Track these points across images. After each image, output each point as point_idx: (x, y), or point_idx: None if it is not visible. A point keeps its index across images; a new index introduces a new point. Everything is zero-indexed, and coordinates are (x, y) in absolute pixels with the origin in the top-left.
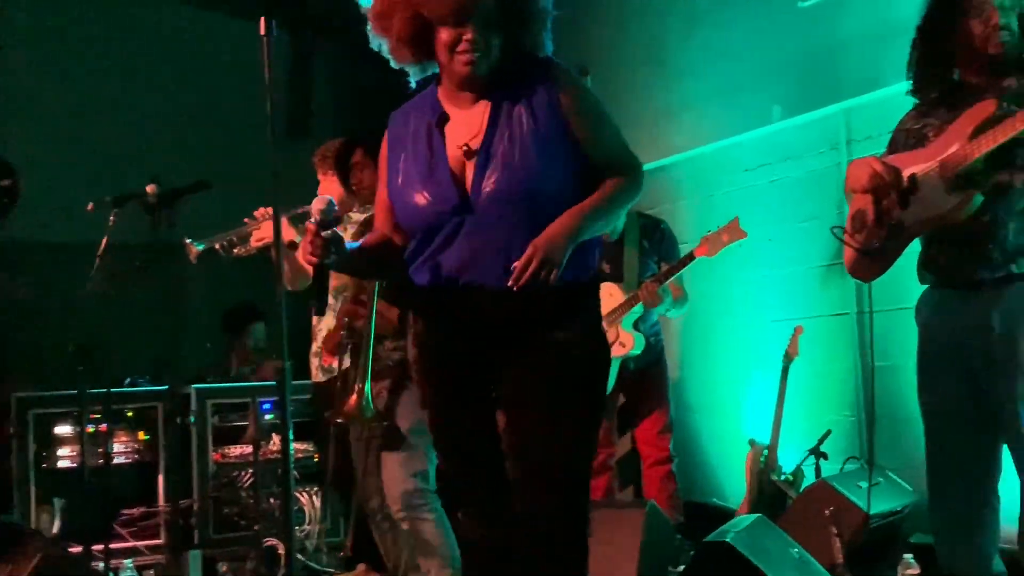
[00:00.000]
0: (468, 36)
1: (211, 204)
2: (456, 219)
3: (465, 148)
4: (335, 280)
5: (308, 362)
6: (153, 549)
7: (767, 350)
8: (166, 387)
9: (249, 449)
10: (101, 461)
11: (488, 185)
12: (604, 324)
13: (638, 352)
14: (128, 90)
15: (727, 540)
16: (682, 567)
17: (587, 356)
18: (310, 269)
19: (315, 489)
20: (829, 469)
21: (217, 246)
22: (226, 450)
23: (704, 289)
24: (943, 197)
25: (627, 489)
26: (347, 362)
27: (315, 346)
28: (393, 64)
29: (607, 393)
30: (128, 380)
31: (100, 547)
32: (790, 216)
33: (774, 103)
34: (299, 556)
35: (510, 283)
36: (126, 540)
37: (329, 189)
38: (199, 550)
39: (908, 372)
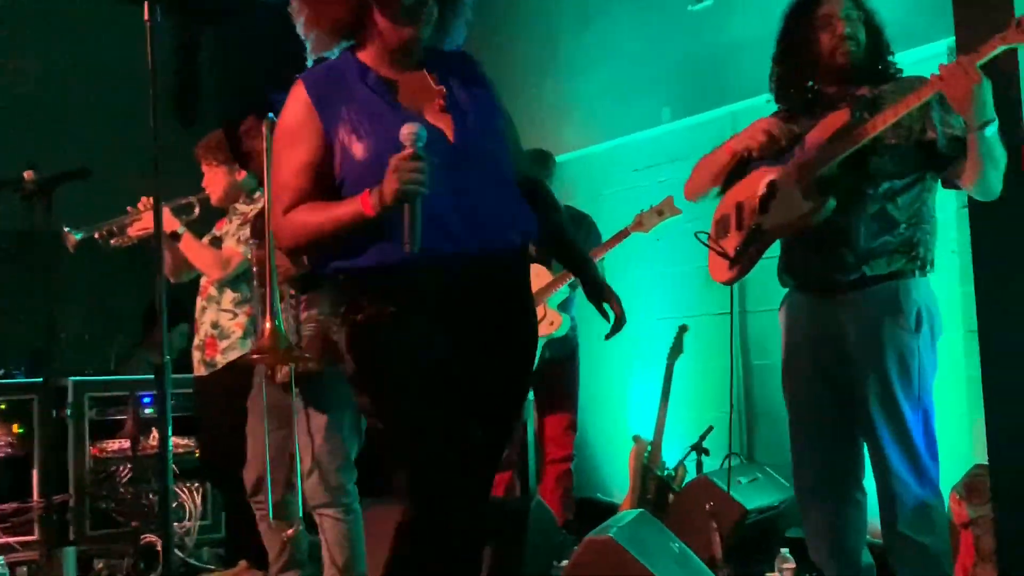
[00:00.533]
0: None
1: (92, 193)
2: (442, 170)
3: (440, 104)
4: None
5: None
6: (26, 546)
7: (652, 348)
8: (41, 379)
9: (127, 444)
10: None
11: (467, 134)
12: None
13: (564, 332)
14: (4, 72)
15: (610, 535)
16: (565, 562)
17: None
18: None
19: (195, 485)
20: (710, 465)
21: (96, 235)
22: (104, 444)
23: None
24: (799, 202)
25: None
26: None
27: (197, 339)
28: (310, 49)
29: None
30: (2, 371)
31: None
32: (677, 217)
33: (663, 105)
34: (178, 552)
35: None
36: None
37: (214, 180)
38: (74, 547)
39: None
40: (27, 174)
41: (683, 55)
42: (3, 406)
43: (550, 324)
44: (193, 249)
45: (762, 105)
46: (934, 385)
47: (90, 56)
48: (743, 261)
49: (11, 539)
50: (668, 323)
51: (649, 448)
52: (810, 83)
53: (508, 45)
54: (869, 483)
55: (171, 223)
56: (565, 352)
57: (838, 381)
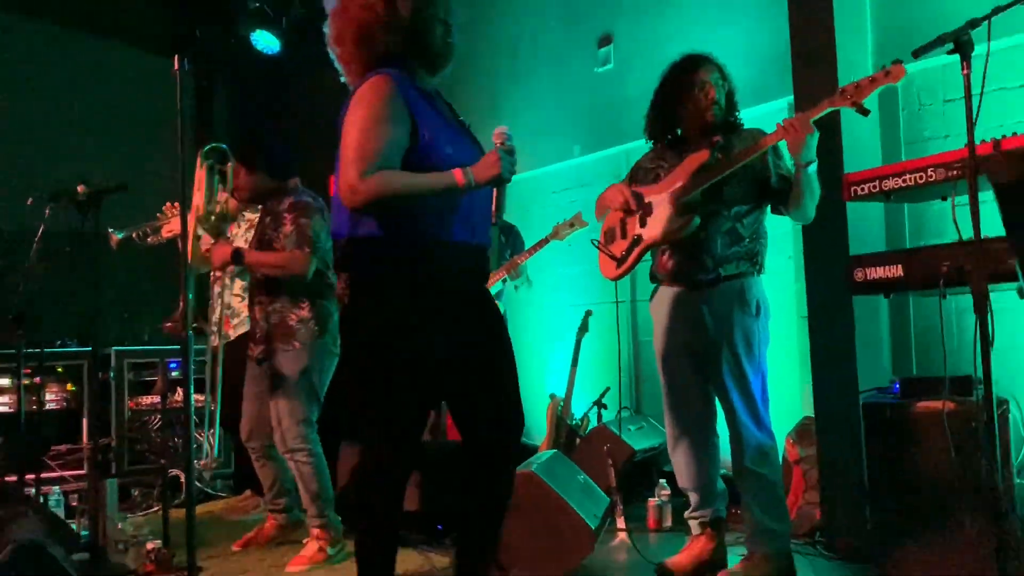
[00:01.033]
0: (450, 28)
1: (130, 203)
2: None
3: (464, 122)
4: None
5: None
6: (77, 478)
7: (566, 327)
8: (89, 348)
9: (158, 399)
10: (35, 407)
11: (480, 152)
12: None
13: None
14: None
15: (531, 469)
16: None
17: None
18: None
19: (211, 431)
20: (608, 416)
21: (134, 235)
22: (139, 399)
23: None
24: (672, 219)
25: None
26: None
27: (214, 317)
28: (348, 72)
29: None
30: (59, 342)
31: (32, 476)
32: (585, 229)
33: (575, 143)
34: (197, 484)
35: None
36: (54, 471)
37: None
38: (115, 478)
39: None
40: (80, 187)
41: (590, 105)
42: (60, 369)
43: None
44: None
45: (645, 146)
46: (768, 356)
47: (130, 94)
48: (627, 263)
49: (65, 473)
50: (577, 309)
51: (562, 404)
52: (678, 130)
53: (456, 93)
54: (722, 429)
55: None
56: None
57: (698, 353)
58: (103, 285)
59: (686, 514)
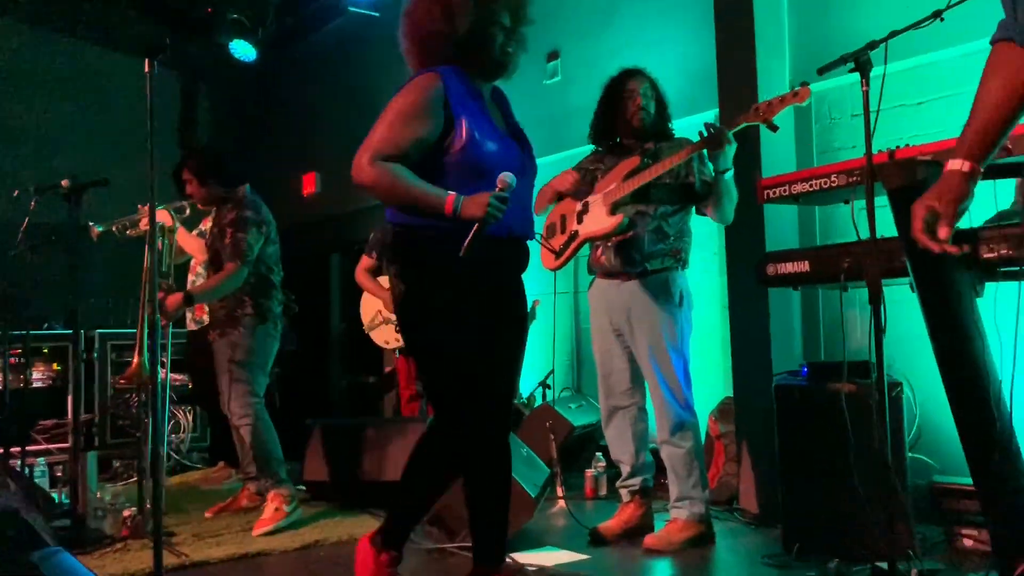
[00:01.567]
0: (510, 38)
1: (115, 198)
2: (518, 172)
3: (509, 124)
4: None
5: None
6: (62, 451)
7: None
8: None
9: None
10: (22, 385)
11: (528, 156)
12: None
13: None
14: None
15: None
16: None
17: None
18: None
19: (188, 408)
20: (551, 396)
21: (114, 228)
22: (121, 378)
23: None
24: (605, 218)
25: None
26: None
27: None
28: (412, 67)
29: None
30: (46, 324)
31: (18, 449)
32: (537, 224)
33: None
34: (175, 455)
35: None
36: (40, 444)
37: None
38: (96, 451)
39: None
40: (64, 182)
41: (538, 114)
42: (46, 350)
43: None
44: (185, 239)
45: (590, 149)
46: (694, 342)
47: (117, 97)
48: (564, 256)
49: (51, 446)
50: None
51: None
52: (617, 136)
53: None
54: (650, 407)
55: (169, 220)
56: None
57: (626, 339)
58: (88, 273)
59: (617, 483)
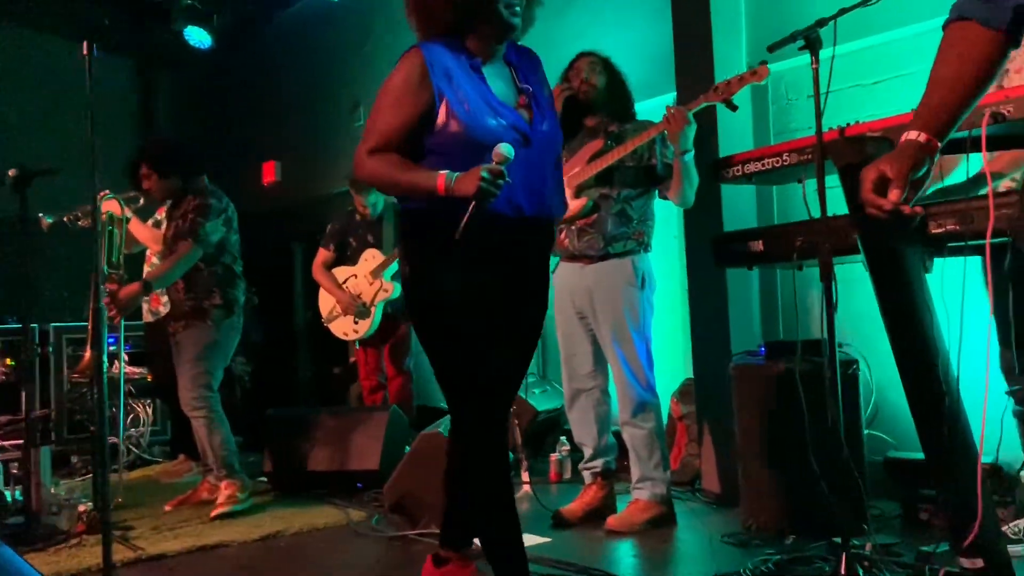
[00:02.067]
0: None
1: (66, 187)
2: (519, 150)
3: (523, 93)
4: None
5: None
6: (16, 448)
7: None
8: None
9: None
10: None
11: (541, 126)
12: (371, 277)
13: (396, 297)
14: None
15: (439, 431)
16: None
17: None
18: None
19: (147, 400)
20: None
21: (65, 219)
22: (75, 372)
23: None
24: (570, 200)
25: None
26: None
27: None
28: (418, 38)
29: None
30: None
31: None
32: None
33: None
34: (134, 449)
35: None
36: None
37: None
38: (49, 447)
39: None
40: (11, 172)
41: None
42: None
43: (385, 291)
44: (138, 229)
45: None
46: (656, 324)
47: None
48: None
49: (4, 443)
50: None
51: None
52: (577, 117)
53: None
54: (612, 389)
55: (124, 210)
56: (398, 308)
57: (590, 321)
58: (41, 266)
59: (580, 465)
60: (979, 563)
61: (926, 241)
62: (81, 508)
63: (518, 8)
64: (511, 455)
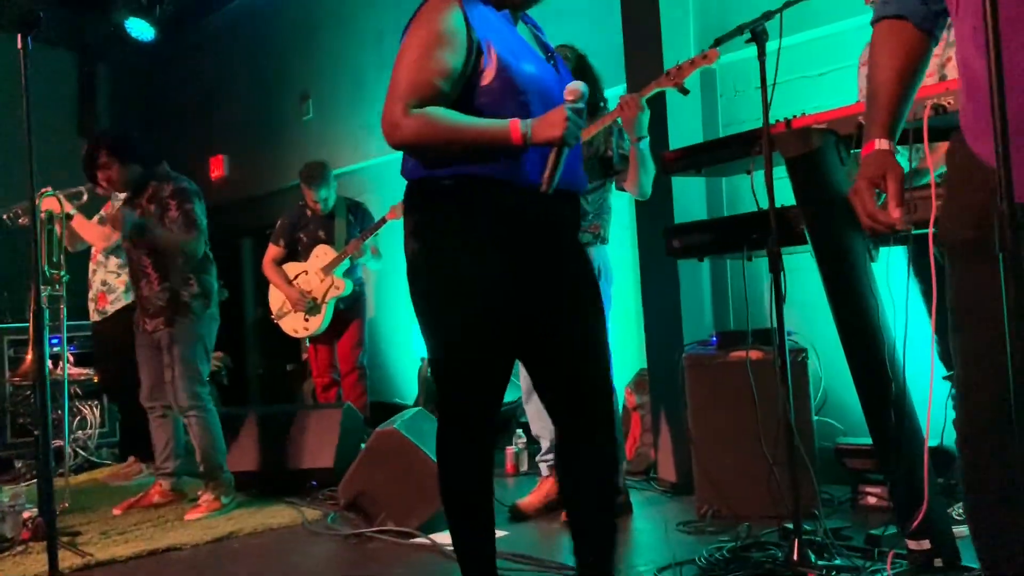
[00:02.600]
0: None
1: (3, 184)
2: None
3: (548, 51)
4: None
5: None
6: None
7: None
8: None
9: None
10: None
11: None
12: (322, 274)
13: (347, 294)
14: None
15: (394, 427)
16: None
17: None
18: None
19: (94, 402)
20: None
21: (4, 217)
22: (15, 375)
23: (395, 251)
24: None
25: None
26: (118, 304)
27: (91, 293)
28: None
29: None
30: None
31: None
32: None
33: None
34: (81, 452)
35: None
36: None
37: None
38: None
39: None
40: None
41: None
42: None
43: (336, 288)
44: (83, 226)
45: None
46: (611, 316)
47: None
48: None
49: None
50: None
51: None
52: None
53: (329, 75)
54: None
55: (66, 207)
56: (349, 302)
57: None
58: None
59: (537, 458)
60: (926, 544)
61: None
62: (26, 514)
63: None
64: None
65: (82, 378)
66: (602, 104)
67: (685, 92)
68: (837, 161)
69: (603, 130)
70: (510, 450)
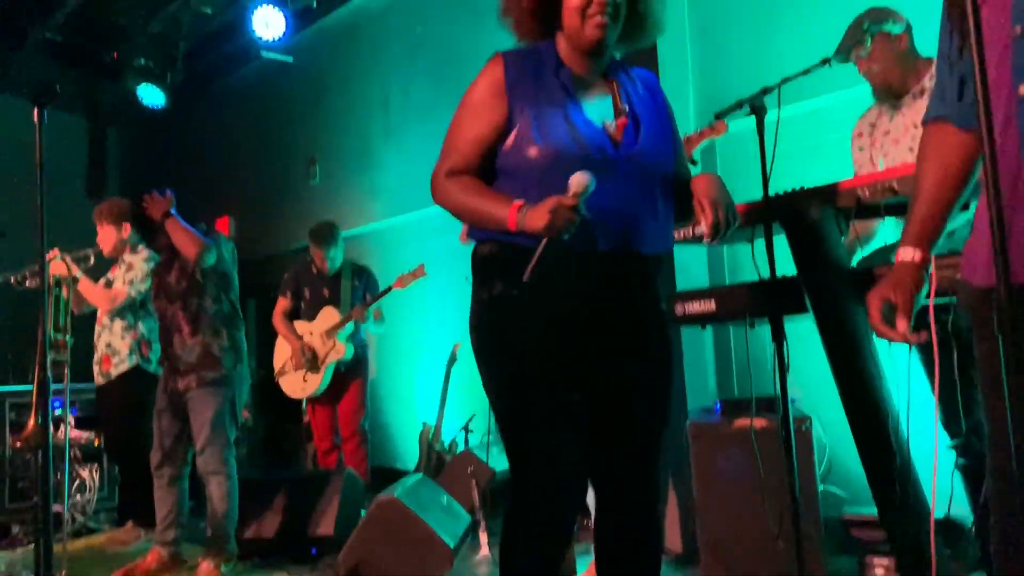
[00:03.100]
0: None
1: (13, 246)
2: (601, 171)
3: (617, 107)
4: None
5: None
6: None
7: (437, 358)
8: None
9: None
10: None
11: (635, 146)
12: (324, 336)
13: (348, 358)
14: None
15: (395, 495)
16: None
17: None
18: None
19: (94, 466)
20: (474, 441)
21: (12, 280)
22: (17, 440)
23: (398, 314)
24: None
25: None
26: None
27: (96, 356)
28: (517, 41)
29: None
30: None
31: None
32: (446, 270)
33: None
34: (80, 517)
35: (708, 239)
36: None
37: (105, 237)
38: None
39: None
40: None
41: None
42: None
43: (336, 353)
44: (88, 289)
45: None
46: None
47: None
48: None
49: None
50: (447, 341)
51: (432, 431)
52: None
53: (338, 141)
54: None
55: (73, 270)
56: (351, 365)
57: None
58: None
59: (588, 522)
60: None
61: None
62: None
63: (607, 18)
64: (468, 517)
65: (82, 441)
66: None
67: (693, 163)
68: (837, 233)
69: None
70: None
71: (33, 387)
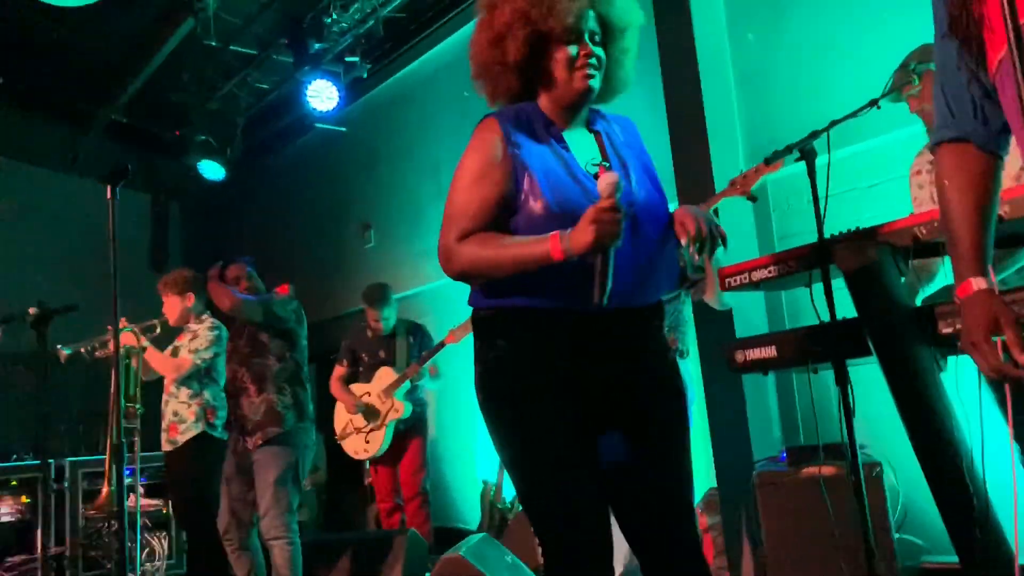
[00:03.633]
0: (588, 51)
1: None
2: None
3: (602, 164)
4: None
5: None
6: None
7: None
8: (38, 461)
9: None
10: None
11: (631, 194)
12: (383, 396)
13: (407, 416)
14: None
15: (460, 553)
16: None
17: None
18: (593, 245)
19: (163, 534)
20: None
21: (82, 350)
22: (91, 508)
23: (454, 369)
24: None
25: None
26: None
27: (163, 424)
28: (488, 104)
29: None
30: (14, 456)
31: None
32: None
33: None
34: None
35: (695, 251)
36: None
37: (170, 307)
38: None
39: None
40: (31, 310)
41: None
42: (15, 482)
43: (396, 411)
44: (154, 358)
45: None
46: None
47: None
48: None
49: None
50: None
51: (493, 489)
52: None
53: (390, 205)
54: None
55: (141, 340)
56: (410, 423)
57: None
58: (57, 399)
59: None
60: None
61: (938, 341)
62: None
63: (592, 70)
64: (532, 573)
65: (151, 509)
66: None
67: (753, 199)
68: (896, 272)
69: None
70: None
71: (105, 456)
